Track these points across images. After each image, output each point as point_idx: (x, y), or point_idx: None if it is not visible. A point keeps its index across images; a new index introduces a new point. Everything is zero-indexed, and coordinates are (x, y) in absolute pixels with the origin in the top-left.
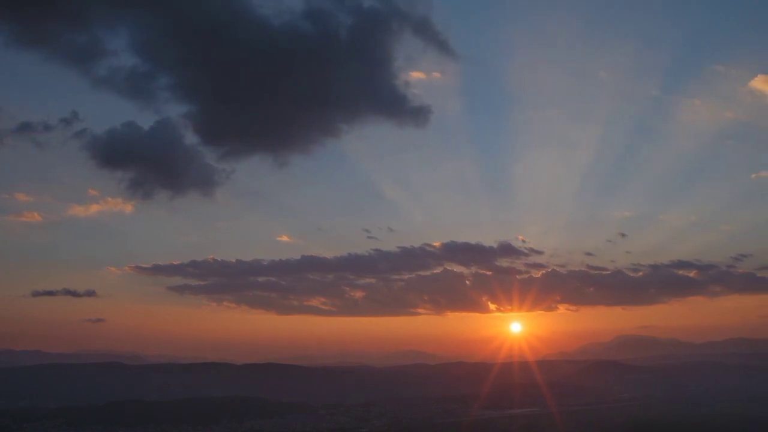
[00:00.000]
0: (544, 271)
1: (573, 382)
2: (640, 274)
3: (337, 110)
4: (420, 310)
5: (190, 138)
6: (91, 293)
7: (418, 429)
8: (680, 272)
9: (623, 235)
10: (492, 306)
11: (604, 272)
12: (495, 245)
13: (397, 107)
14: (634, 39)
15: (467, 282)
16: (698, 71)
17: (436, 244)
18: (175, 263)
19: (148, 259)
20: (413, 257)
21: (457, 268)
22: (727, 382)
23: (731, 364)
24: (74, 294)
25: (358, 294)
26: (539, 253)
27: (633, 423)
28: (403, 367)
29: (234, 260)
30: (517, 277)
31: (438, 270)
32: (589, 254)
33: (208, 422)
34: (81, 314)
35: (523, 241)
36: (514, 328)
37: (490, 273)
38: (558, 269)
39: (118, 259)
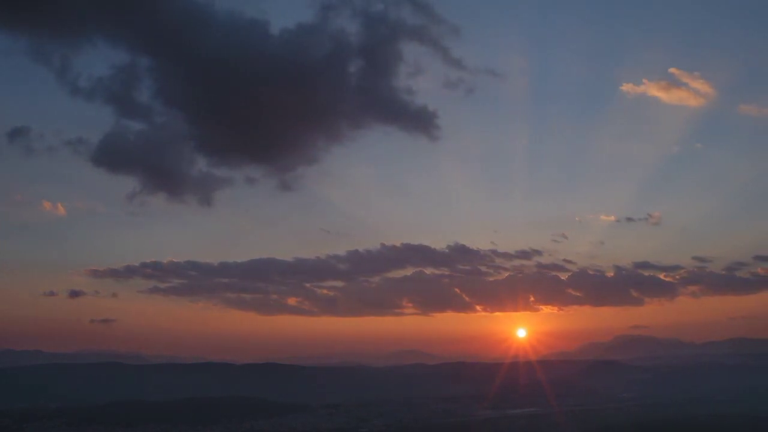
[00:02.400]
0: (509, 273)
1: (573, 382)
2: (610, 274)
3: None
4: (405, 311)
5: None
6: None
7: (418, 429)
8: (647, 273)
9: (565, 236)
10: (478, 307)
11: (568, 273)
12: (443, 248)
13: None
14: None
15: (442, 283)
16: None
17: (381, 245)
18: (131, 265)
19: (101, 263)
20: (365, 260)
21: (415, 270)
22: (727, 382)
23: (731, 364)
24: (77, 294)
25: (336, 295)
26: (498, 254)
27: (633, 423)
28: (402, 367)
29: (183, 261)
30: (487, 278)
31: (401, 272)
32: (540, 254)
33: (208, 422)
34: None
35: (467, 243)
36: (508, 329)
37: (459, 275)
38: (524, 270)
39: (72, 262)
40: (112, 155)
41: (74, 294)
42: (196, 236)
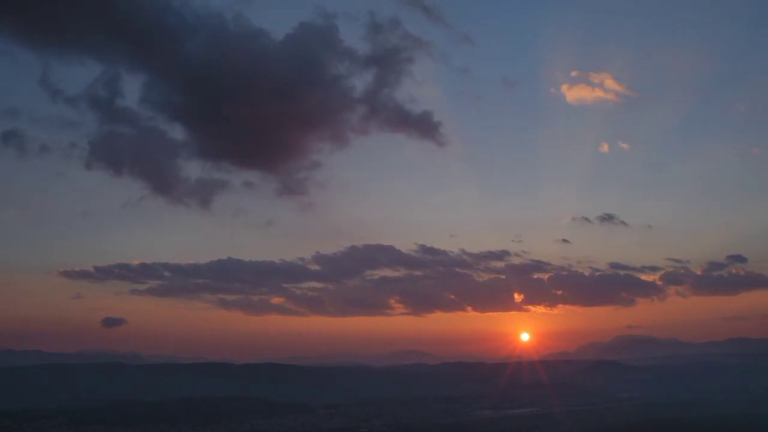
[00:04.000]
0: (488, 274)
1: (573, 382)
2: (587, 273)
3: None
4: (395, 311)
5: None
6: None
7: (418, 429)
8: (622, 272)
9: (523, 237)
10: (469, 307)
11: (548, 274)
12: (408, 250)
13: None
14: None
15: (425, 284)
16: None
17: (345, 247)
18: (100, 266)
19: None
20: (332, 261)
21: (391, 272)
22: (727, 382)
23: (731, 364)
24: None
25: (321, 295)
26: (468, 254)
27: (633, 423)
28: (402, 367)
29: (150, 262)
30: (468, 279)
31: (376, 273)
32: (509, 254)
33: (208, 422)
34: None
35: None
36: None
37: (440, 276)
38: (501, 270)
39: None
40: (105, 159)
41: (76, 296)
42: (189, 239)
